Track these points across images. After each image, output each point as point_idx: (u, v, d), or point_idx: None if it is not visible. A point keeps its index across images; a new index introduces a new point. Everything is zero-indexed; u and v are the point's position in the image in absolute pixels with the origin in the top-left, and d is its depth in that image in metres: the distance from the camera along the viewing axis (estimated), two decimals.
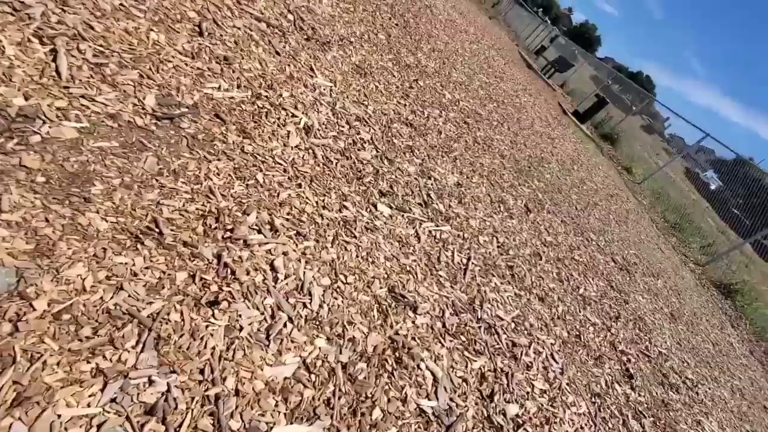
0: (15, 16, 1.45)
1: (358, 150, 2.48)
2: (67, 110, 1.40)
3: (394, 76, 3.80)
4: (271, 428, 1.09)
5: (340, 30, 3.62)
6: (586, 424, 2.05)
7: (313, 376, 1.29)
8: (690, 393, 3.26)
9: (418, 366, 1.59)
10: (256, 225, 1.57)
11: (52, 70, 1.45)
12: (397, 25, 5.16)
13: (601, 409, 2.23)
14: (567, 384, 2.17)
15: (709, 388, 3.64)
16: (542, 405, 1.92)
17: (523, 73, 11.45)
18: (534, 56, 18.23)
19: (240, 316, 1.27)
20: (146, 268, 1.19)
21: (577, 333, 2.68)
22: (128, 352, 1.01)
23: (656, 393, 2.87)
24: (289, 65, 2.59)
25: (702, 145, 11.92)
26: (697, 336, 4.60)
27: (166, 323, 1.12)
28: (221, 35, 2.27)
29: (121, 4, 1.87)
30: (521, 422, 1.74)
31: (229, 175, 1.67)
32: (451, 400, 1.58)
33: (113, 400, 0.93)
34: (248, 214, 1.57)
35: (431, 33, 6.22)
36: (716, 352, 4.66)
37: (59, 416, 0.86)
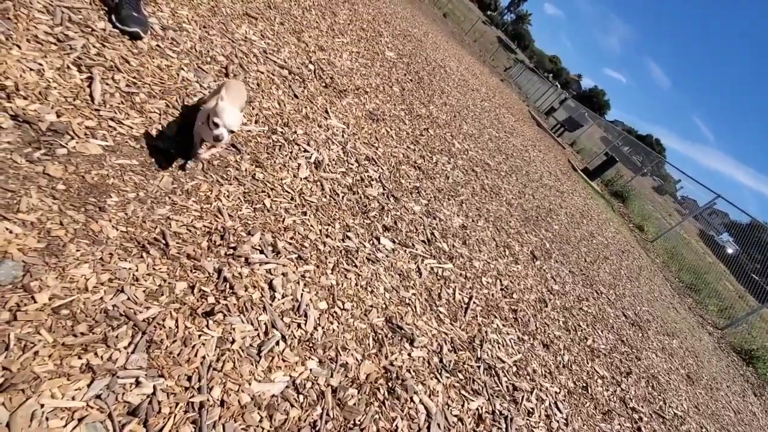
0: (58, 45, 1.62)
1: (366, 186, 2.57)
2: (95, 129, 1.52)
3: (405, 123, 3.99)
4: None
5: (356, 81, 3.87)
6: None
7: (301, 397, 1.27)
8: None
9: (411, 399, 1.54)
10: (259, 245, 1.62)
11: (86, 94, 1.59)
12: (411, 80, 5.48)
13: None
14: None
15: None
16: None
17: (532, 130, 11.82)
18: (544, 116, 18.87)
19: (234, 329, 1.28)
20: (148, 274, 1.23)
21: (585, 384, 2.56)
22: (119, 351, 1.03)
23: None
24: (305, 107, 2.76)
25: (715, 208, 11.86)
26: (716, 402, 4.31)
27: (161, 328, 1.14)
28: (245, 77, 2.47)
29: (157, 45, 2.07)
30: None
31: (239, 198, 1.75)
32: None
33: (98, 397, 0.93)
34: (252, 235, 1.63)
35: (444, 89, 6.56)
36: (737, 421, 4.33)
37: (42, 406, 0.86)
